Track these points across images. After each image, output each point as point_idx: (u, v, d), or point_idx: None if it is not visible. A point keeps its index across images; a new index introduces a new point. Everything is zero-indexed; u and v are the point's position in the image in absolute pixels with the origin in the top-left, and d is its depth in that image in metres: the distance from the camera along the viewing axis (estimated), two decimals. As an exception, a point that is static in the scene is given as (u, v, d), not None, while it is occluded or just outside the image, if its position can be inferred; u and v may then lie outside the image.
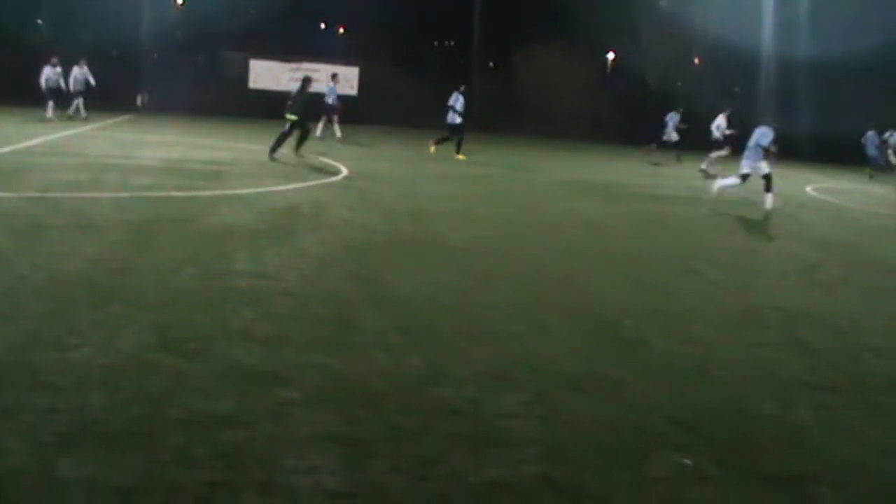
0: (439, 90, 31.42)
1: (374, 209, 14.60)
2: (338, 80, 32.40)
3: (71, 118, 31.22)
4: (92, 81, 32.41)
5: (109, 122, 31.98)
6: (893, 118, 36.38)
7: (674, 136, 32.68)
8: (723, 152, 29.31)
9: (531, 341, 7.40)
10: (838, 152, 40.26)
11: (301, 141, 23.01)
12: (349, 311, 7.81)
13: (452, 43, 63.22)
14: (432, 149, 27.76)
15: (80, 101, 32.09)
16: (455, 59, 55.26)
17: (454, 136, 27.80)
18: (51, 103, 30.43)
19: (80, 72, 32.27)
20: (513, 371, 6.51)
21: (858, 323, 9.27)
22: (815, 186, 28.54)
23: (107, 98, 33.94)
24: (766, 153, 18.56)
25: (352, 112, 40.62)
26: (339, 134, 31.34)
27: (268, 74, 44.59)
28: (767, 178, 18.49)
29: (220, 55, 47.24)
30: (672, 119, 32.80)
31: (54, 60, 31.18)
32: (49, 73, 31.01)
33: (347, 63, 44.81)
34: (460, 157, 27.11)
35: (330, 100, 31.86)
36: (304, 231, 11.78)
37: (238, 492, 4.26)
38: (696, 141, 31.86)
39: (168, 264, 9.06)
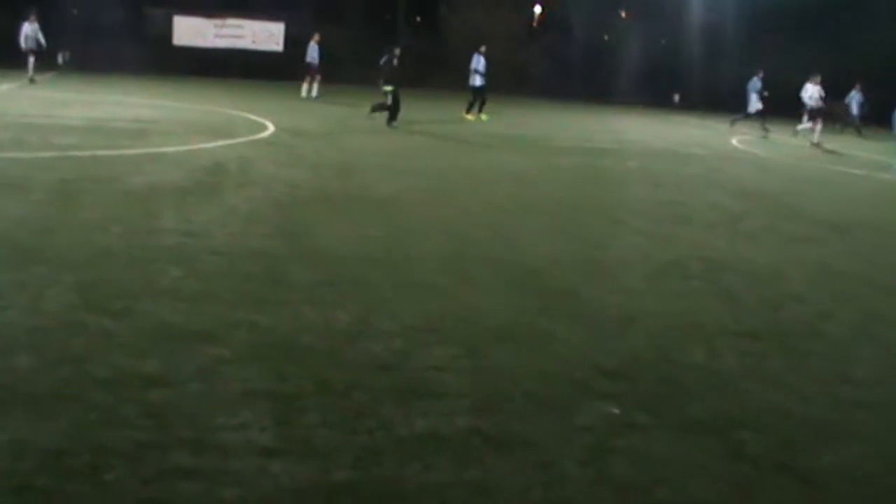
0: (365, 45, 31.19)
1: (301, 165, 14.50)
2: (319, 39, 31.85)
3: (32, 81, 29.53)
4: (42, 40, 30.49)
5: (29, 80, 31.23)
6: (822, 68, 36.57)
7: (759, 106, 30.84)
8: (816, 125, 27.97)
9: (459, 293, 7.43)
10: (764, 104, 40.73)
11: (383, 107, 23.45)
12: (277, 267, 7.77)
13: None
14: (471, 117, 27.53)
15: (31, 60, 30.14)
16: (380, 13, 54.79)
17: (479, 96, 27.63)
18: None
19: (31, 28, 30.25)
20: (441, 323, 6.53)
21: (781, 271, 9.44)
22: (741, 138, 28.87)
23: (26, 56, 32.97)
24: None
25: (278, 68, 40.27)
26: (314, 93, 31.39)
27: (192, 31, 43.89)
28: None
29: (143, 11, 46.30)
30: (754, 86, 30.97)
31: None
32: None
33: (272, 18, 44.29)
34: (483, 117, 27.33)
35: (312, 59, 31.66)
36: (231, 188, 11.66)
37: (167, 450, 4.24)
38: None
39: (93, 224, 8.93)
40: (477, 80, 27.63)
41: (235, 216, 9.87)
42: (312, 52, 31.79)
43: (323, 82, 31.98)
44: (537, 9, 56.47)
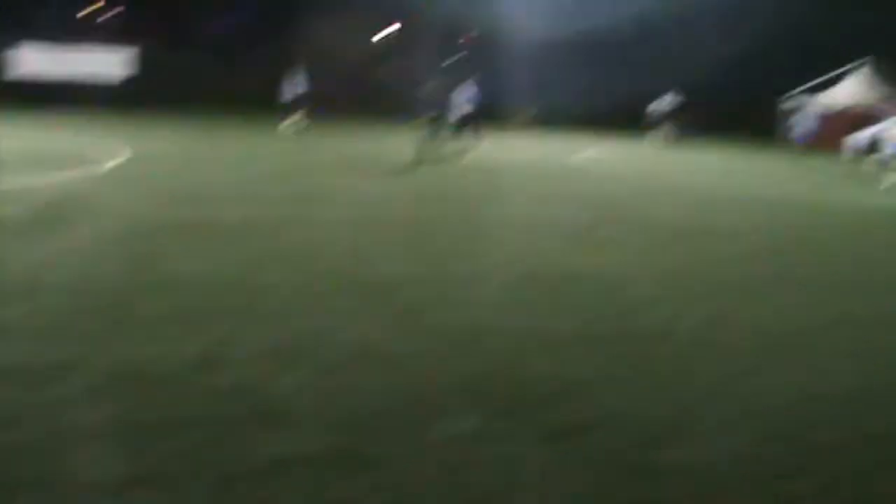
0: (219, 69, 30.83)
1: (152, 194, 14.21)
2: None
3: None
4: None
5: None
6: (658, 86, 37.84)
7: None
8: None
9: (312, 316, 7.42)
10: (603, 120, 42.05)
11: None
12: (125, 300, 7.58)
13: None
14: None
15: None
16: (231, 36, 54.28)
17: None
18: None
19: None
20: (295, 347, 6.50)
21: (631, 278, 9.70)
22: (582, 155, 29.45)
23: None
24: None
25: (129, 94, 39.43)
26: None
27: (35, 60, 42.53)
28: None
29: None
30: None
31: None
32: None
33: (120, 44, 43.42)
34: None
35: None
36: (77, 221, 11.31)
37: (13, 494, 4.10)
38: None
39: (-72, 264, 8.60)
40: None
41: (81, 250, 9.61)
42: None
43: (177, 109, 31.14)
44: (394, 28, 56.67)
